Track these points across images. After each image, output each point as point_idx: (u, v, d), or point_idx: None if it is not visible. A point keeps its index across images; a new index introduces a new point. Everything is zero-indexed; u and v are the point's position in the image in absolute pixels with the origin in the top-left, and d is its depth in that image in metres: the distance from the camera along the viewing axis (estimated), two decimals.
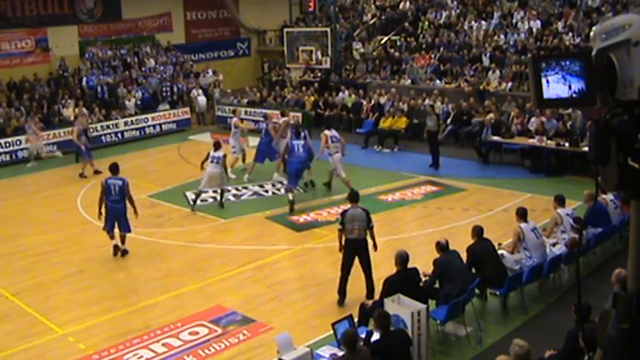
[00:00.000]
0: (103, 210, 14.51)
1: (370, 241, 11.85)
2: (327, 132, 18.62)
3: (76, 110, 25.79)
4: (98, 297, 12.77)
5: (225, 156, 17.80)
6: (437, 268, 10.65)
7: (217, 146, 17.73)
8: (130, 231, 14.73)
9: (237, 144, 21.15)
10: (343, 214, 11.83)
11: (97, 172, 21.18)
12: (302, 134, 18.45)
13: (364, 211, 11.81)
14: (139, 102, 29.15)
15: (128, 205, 14.48)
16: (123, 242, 14.75)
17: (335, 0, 33.08)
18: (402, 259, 10.19)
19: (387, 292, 9.84)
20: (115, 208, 14.42)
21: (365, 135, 24.76)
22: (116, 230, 14.70)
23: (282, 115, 21.54)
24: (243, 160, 21.33)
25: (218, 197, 17.94)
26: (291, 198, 17.30)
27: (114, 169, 14.73)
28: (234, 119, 21.69)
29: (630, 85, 2.20)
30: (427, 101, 25.08)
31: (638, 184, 2.24)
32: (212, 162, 17.55)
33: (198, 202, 17.82)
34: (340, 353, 8.68)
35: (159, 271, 13.92)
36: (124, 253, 14.76)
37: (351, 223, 11.64)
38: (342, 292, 11.84)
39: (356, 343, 8.17)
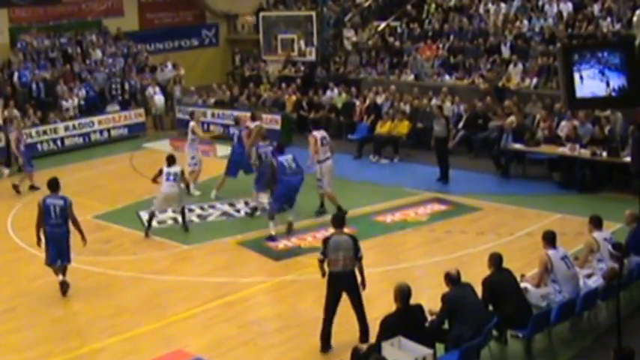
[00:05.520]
0: (42, 236, 14.31)
1: (359, 276, 11.79)
2: (315, 133, 18.43)
3: (5, 112, 25.64)
4: (33, 340, 12.67)
5: (182, 172, 17.83)
6: (446, 304, 10.65)
7: (171, 161, 17.71)
8: (70, 261, 14.54)
9: (196, 154, 21.11)
10: (325, 241, 11.79)
11: (32, 188, 21.14)
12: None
13: (351, 238, 11.79)
14: (82, 102, 29.05)
15: (72, 229, 14.35)
16: (63, 274, 14.47)
17: None
18: (403, 293, 10.18)
19: (385, 334, 9.84)
20: (56, 233, 14.17)
21: (358, 142, 24.83)
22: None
23: (253, 118, 21.31)
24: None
25: (179, 219, 17.88)
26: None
27: (53, 185, 14.47)
28: (192, 123, 21.47)
29: None
30: (434, 101, 25.17)
31: None
32: (167, 180, 17.51)
33: (155, 224, 17.75)
34: None
35: (107, 309, 13.83)
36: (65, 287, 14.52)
37: (336, 252, 11.61)
38: (325, 336, 11.76)
39: None
